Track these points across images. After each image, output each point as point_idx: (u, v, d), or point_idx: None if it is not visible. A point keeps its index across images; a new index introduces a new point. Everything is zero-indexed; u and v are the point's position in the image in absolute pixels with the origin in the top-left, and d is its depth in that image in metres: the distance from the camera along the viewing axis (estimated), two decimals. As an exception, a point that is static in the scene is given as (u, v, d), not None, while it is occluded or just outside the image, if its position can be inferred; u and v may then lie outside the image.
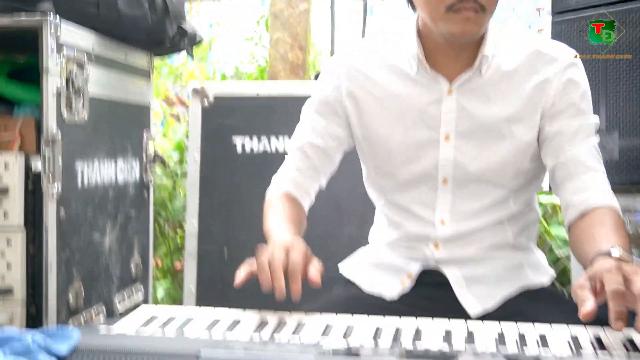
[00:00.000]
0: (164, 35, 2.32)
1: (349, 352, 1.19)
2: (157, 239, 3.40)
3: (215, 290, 2.66)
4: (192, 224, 2.76)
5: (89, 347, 1.17)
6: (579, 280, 1.42)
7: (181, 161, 3.54)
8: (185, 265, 2.77)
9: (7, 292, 1.80)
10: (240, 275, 1.52)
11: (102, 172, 2.19)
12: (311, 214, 1.90)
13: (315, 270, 1.51)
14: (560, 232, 3.22)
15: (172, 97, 4.15)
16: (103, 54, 2.15)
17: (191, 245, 2.75)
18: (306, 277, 1.52)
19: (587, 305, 1.32)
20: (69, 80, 1.93)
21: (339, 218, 2.66)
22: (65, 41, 1.92)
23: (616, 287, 1.31)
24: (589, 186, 1.75)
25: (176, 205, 3.55)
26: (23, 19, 1.83)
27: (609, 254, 1.44)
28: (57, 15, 1.88)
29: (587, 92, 1.82)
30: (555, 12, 2.38)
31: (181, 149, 3.56)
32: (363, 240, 2.02)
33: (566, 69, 1.79)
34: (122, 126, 2.33)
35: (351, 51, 1.92)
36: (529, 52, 1.80)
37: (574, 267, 2.53)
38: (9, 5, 1.84)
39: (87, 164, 2.08)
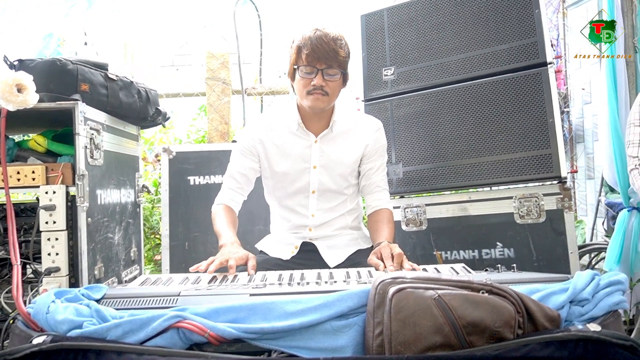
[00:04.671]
0: (147, 113, 2.33)
1: (264, 288, 1.24)
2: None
3: (180, 269, 2.68)
4: (165, 229, 2.78)
5: (112, 295, 1.22)
6: (371, 255, 1.59)
7: (156, 192, 3.54)
8: (162, 255, 2.77)
9: (56, 269, 1.80)
10: (203, 265, 1.52)
11: (112, 196, 2.17)
12: (239, 218, 1.94)
13: (251, 265, 1.55)
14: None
15: (147, 156, 4.25)
16: (111, 125, 2.15)
17: (165, 242, 2.77)
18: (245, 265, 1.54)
19: (381, 266, 1.50)
20: (91, 140, 1.94)
21: (252, 220, 2.72)
22: (88, 117, 1.92)
23: (387, 253, 1.51)
24: (377, 198, 1.88)
25: (154, 220, 3.54)
26: (63, 104, 1.86)
27: (380, 243, 1.62)
28: (83, 103, 1.90)
29: (385, 145, 1.93)
30: (365, 100, 2.56)
31: (156, 185, 3.57)
32: (266, 232, 2.10)
33: (376, 132, 1.91)
34: (123, 169, 2.31)
35: (260, 118, 1.96)
36: (355, 120, 1.91)
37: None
38: (54, 96, 1.87)
39: (103, 191, 2.06)
